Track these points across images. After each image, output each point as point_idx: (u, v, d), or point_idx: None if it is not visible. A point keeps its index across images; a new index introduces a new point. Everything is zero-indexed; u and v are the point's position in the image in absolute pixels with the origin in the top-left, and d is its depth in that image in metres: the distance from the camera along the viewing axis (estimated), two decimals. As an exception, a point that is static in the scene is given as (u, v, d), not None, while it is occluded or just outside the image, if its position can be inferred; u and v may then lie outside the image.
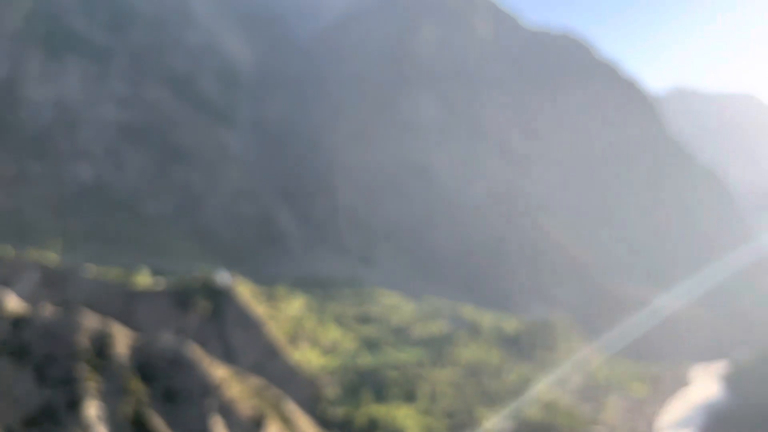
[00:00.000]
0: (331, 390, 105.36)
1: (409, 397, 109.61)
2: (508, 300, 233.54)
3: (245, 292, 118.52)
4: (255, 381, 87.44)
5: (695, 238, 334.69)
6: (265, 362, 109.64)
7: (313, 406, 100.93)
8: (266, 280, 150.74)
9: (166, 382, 78.45)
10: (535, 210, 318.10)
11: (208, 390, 77.55)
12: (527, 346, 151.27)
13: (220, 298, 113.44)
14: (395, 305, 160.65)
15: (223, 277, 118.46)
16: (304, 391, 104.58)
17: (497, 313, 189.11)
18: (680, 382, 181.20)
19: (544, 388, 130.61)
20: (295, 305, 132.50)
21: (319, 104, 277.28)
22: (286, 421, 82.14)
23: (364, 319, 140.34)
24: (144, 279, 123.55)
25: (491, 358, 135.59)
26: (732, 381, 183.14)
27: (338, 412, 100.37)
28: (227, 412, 76.82)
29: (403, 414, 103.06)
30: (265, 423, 76.28)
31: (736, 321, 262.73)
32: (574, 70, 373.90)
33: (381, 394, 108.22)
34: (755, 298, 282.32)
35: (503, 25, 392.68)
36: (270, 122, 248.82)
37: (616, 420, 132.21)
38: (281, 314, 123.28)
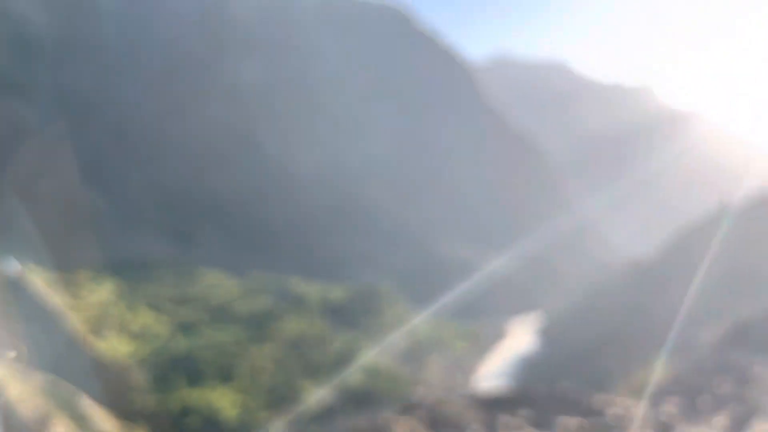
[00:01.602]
0: (138, 379, 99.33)
1: (226, 377, 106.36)
2: (340, 269, 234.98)
3: (39, 281, 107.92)
4: (42, 378, 79.77)
5: (513, 202, 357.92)
6: (65, 356, 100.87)
7: (119, 397, 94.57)
8: (71, 267, 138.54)
9: (-71, 391, 69.53)
10: (366, 177, 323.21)
11: (-19, 394, 69.60)
12: (352, 315, 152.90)
13: (7, 290, 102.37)
14: (216, 284, 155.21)
15: (10, 267, 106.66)
16: (109, 382, 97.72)
17: (327, 284, 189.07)
18: (497, 336, 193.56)
19: (368, 354, 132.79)
20: (101, 292, 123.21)
21: (133, 72, 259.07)
22: (78, 418, 75.83)
23: (181, 301, 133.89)
24: None
25: (315, 330, 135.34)
26: (543, 331, 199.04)
27: (147, 401, 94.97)
28: (5, 415, 69.54)
29: (218, 395, 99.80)
30: (49, 423, 69.70)
31: (552, 277, 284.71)
32: (396, 41, 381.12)
33: (196, 377, 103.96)
34: (568, 254, 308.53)
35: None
36: (75, 93, 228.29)
37: (436, 378, 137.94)
38: (84, 302, 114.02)
